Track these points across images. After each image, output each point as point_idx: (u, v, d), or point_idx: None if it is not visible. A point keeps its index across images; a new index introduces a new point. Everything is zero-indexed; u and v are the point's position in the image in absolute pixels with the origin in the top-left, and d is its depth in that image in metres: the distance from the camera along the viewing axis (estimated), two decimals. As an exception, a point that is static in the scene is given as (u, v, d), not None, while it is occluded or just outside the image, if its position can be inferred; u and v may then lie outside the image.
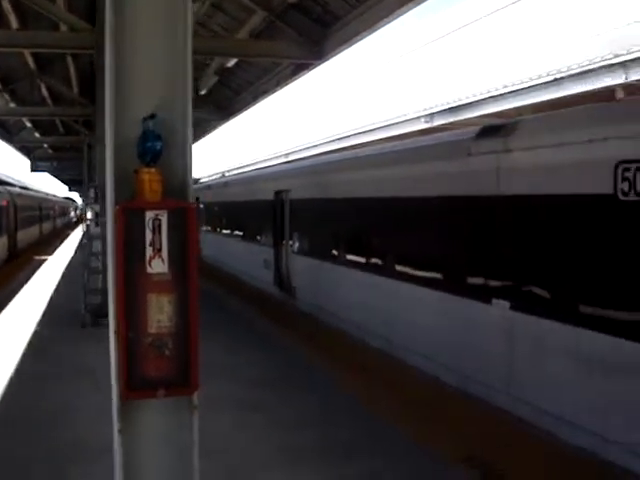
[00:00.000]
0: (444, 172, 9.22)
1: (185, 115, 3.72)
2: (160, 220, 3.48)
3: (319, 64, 15.61)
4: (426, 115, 20.86)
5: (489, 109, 18.61)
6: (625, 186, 6.20)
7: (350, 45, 14.13)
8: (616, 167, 6.28)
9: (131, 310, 3.50)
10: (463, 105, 19.51)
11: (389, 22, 12.33)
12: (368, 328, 11.40)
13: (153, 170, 3.50)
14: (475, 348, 8.45)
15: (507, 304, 7.79)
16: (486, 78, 20.92)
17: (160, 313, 3.52)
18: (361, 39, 13.64)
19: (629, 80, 13.84)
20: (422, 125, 21.07)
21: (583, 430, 6.64)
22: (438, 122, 20.42)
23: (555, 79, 15.85)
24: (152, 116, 3.53)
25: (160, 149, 3.53)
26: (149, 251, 3.49)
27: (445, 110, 20.15)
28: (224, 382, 8.96)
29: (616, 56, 14.37)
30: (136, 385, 3.54)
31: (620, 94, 7.31)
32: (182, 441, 3.78)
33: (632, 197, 6.14)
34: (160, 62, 3.66)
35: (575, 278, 7.00)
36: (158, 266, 3.50)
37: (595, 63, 14.57)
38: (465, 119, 19.18)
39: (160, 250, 3.49)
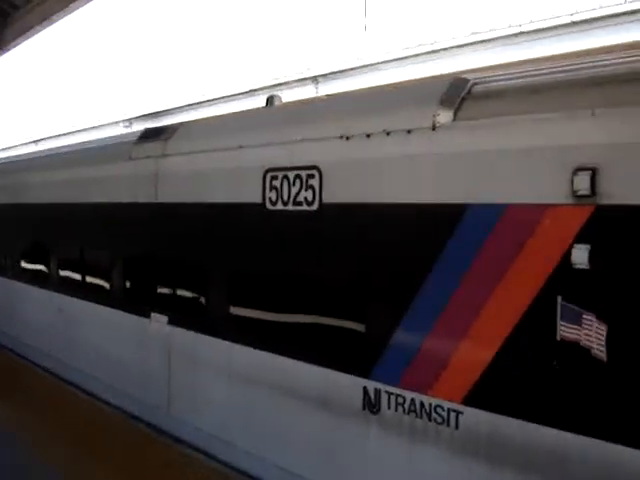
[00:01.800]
0: (108, 177, 8.55)
1: None
2: None
3: (-1, 55, 14.39)
4: (125, 120, 20.09)
5: (190, 116, 18.33)
6: (273, 195, 5.98)
7: (27, 37, 13.13)
8: (264, 175, 6.06)
9: None
10: (162, 111, 19.05)
11: (65, 15, 11.61)
12: (35, 346, 10.39)
13: None
14: (138, 366, 7.88)
15: (165, 318, 7.32)
16: (187, 86, 20.72)
17: None
18: (39, 31, 12.74)
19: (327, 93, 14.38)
20: (121, 130, 20.27)
21: (235, 448, 6.35)
22: (137, 127, 19.74)
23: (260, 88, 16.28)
24: None
25: None
26: None
27: (145, 115, 19.54)
28: None
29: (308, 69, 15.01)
30: None
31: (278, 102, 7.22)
32: None
33: (279, 206, 5.92)
34: None
35: (226, 287, 6.62)
36: None
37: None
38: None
39: None
